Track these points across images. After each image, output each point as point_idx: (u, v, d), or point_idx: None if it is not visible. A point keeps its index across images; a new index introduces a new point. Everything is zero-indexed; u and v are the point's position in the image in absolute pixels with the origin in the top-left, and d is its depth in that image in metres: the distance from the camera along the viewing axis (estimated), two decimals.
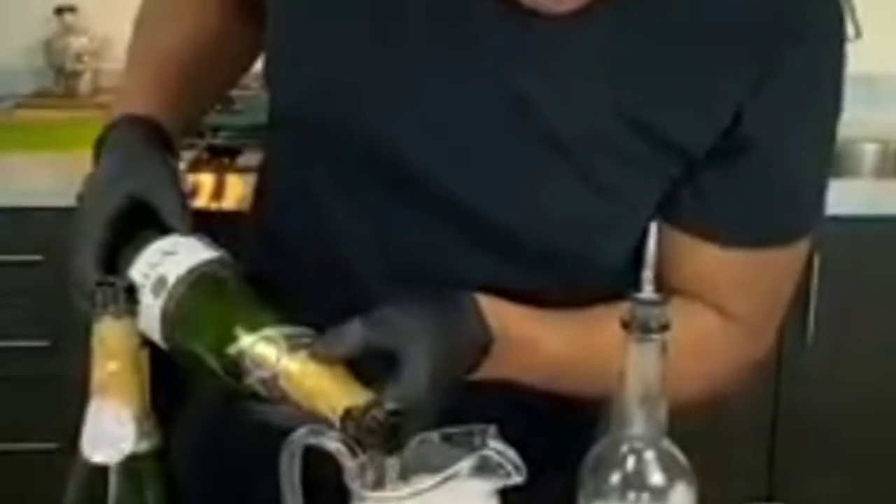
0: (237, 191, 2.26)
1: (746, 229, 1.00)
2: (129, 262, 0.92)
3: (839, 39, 0.98)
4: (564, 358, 0.99)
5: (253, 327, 0.86)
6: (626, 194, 0.99)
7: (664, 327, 0.81)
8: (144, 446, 0.79)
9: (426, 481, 0.82)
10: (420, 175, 0.98)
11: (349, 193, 1.01)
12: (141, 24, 1.15)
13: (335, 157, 1.01)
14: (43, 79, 2.79)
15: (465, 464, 0.81)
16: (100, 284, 0.78)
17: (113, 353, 0.77)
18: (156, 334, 0.90)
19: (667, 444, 0.84)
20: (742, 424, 2.37)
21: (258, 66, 1.12)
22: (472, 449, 0.82)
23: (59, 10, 2.76)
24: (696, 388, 1.02)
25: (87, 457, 0.78)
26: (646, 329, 0.81)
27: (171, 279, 0.89)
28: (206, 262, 0.91)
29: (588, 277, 1.03)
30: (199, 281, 0.90)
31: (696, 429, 1.09)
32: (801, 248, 1.04)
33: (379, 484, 0.84)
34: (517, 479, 0.82)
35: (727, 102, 0.95)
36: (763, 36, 0.94)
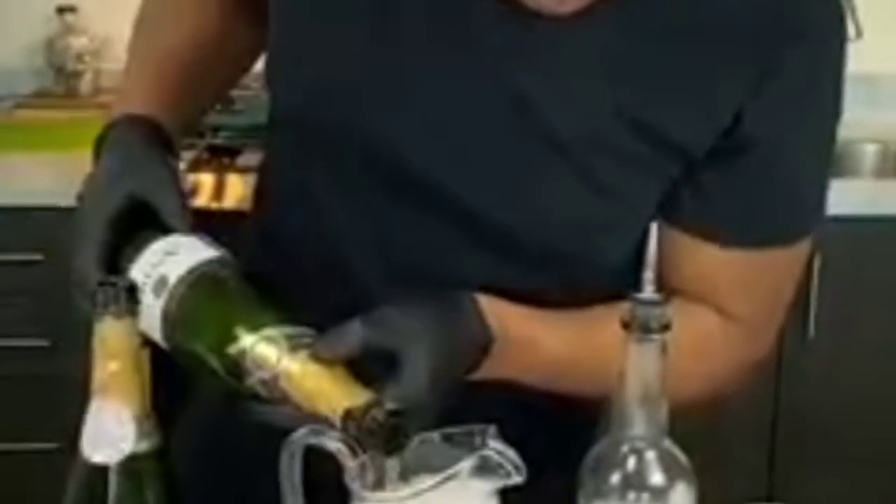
0: (237, 191, 2.26)
1: (747, 229, 1.00)
2: (129, 261, 0.92)
3: (840, 39, 0.98)
4: (564, 358, 0.99)
5: (254, 327, 0.86)
6: (626, 194, 0.98)
7: (665, 327, 0.81)
8: (145, 446, 0.79)
9: (426, 481, 0.82)
10: (420, 175, 0.98)
11: (349, 193, 1.01)
12: (141, 23, 1.15)
13: (335, 158, 1.01)
14: (43, 79, 2.79)
15: (466, 464, 0.81)
16: (101, 284, 0.78)
17: (114, 353, 0.77)
18: (157, 334, 0.90)
19: (667, 444, 0.84)
20: (742, 424, 2.37)
21: (258, 66, 1.12)
22: (472, 449, 0.82)
23: (60, 10, 2.76)
24: (696, 389, 1.02)
25: (87, 457, 0.78)
26: (646, 329, 0.81)
27: (172, 279, 0.89)
28: (206, 262, 0.91)
29: (588, 277, 1.03)
30: (199, 281, 0.90)
31: (696, 429, 1.09)
32: (801, 248, 1.04)
33: (379, 484, 0.84)
34: (517, 480, 0.82)
35: (727, 102, 0.95)
36: (763, 36, 0.94)
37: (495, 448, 0.82)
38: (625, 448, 0.84)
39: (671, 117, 0.95)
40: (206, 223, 0.96)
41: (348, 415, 0.81)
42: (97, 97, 2.70)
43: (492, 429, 0.83)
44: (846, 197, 2.14)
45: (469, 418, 0.84)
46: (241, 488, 1.07)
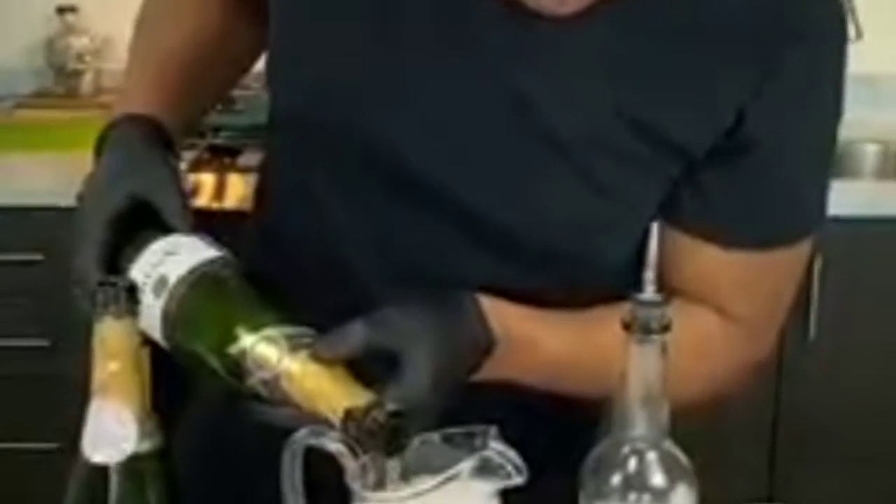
0: (238, 191, 2.26)
1: (748, 230, 1.00)
2: (130, 261, 0.92)
3: (840, 40, 0.98)
4: (565, 358, 0.99)
5: (254, 327, 0.86)
6: (625, 194, 0.98)
7: (665, 328, 0.81)
8: (146, 446, 0.79)
9: (427, 482, 0.82)
10: (420, 175, 0.98)
11: (349, 193, 1.01)
12: (142, 23, 1.15)
13: (335, 157, 1.01)
14: (44, 79, 2.79)
15: (467, 465, 0.81)
16: (101, 284, 0.78)
17: (114, 353, 0.77)
18: (157, 334, 0.90)
19: (668, 445, 0.84)
20: (743, 425, 2.37)
21: (259, 65, 1.12)
22: (473, 450, 0.82)
23: (61, 10, 2.76)
24: (697, 390, 1.02)
25: (88, 457, 0.78)
26: (647, 330, 0.81)
27: (173, 279, 0.89)
28: (207, 262, 0.91)
29: (588, 278, 1.02)
30: (200, 281, 0.90)
31: (697, 430, 1.09)
32: (802, 249, 1.04)
33: (380, 485, 0.84)
34: (518, 480, 0.82)
35: (728, 102, 0.95)
36: (763, 36, 0.94)
37: (496, 449, 0.82)
38: (626, 449, 0.83)
39: (671, 117, 0.95)
40: (207, 223, 0.96)
41: (349, 416, 0.81)
42: (98, 97, 2.70)
43: (493, 429, 0.83)
44: (847, 198, 2.14)
45: (470, 419, 0.84)
46: (242, 488, 1.07)
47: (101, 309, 0.77)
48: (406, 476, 0.84)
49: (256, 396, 0.87)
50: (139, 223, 0.94)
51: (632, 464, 0.83)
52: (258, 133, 2.31)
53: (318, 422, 0.84)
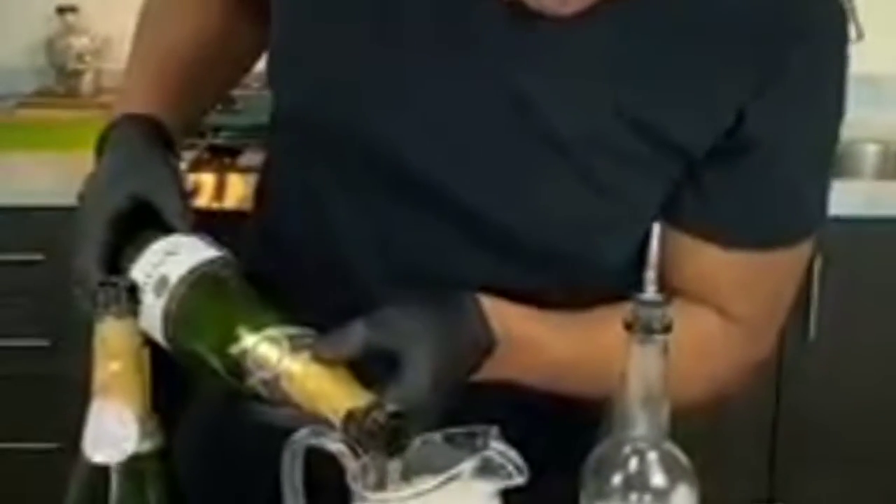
0: (238, 191, 2.26)
1: (748, 230, 1.00)
2: (130, 261, 0.92)
3: (842, 40, 0.98)
4: (566, 359, 0.99)
5: (255, 327, 0.86)
6: (626, 194, 0.98)
7: (667, 328, 0.81)
8: (147, 446, 0.79)
9: (428, 482, 0.82)
10: (420, 175, 0.98)
11: (349, 193, 1.01)
12: (143, 22, 1.15)
13: (336, 157, 1.01)
14: (44, 78, 2.79)
15: (467, 465, 0.81)
16: (102, 284, 0.78)
17: (115, 354, 0.77)
18: (158, 334, 0.90)
19: (668, 445, 0.84)
20: (743, 426, 2.37)
21: (260, 65, 1.12)
22: (474, 450, 0.82)
23: (61, 10, 2.76)
24: (697, 390, 1.02)
25: (89, 457, 0.78)
26: (648, 330, 0.81)
27: (173, 279, 0.89)
28: (207, 262, 0.91)
29: (588, 278, 1.02)
30: (200, 281, 0.90)
31: (697, 430, 1.09)
32: (803, 249, 1.04)
33: (381, 485, 0.84)
34: (519, 480, 0.82)
35: (729, 102, 0.95)
36: (763, 36, 0.94)
37: (497, 449, 0.82)
38: (626, 449, 0.83)
39: (671, 117, 0.95)
40: (207, 223, 0.96)
41: (349, 416, 0.81)
42: (98, 97, 2.70)
43: (494, 430, 0.83)
44: (847, 198, 2.14)
45: (471, 419, 0.84)
46: (242, 488, 1.07)
47: (102, 309, 0.77)
48: (407, 476, 0.84)
49: (257, 396, 0.87)
50: (140, 223, 0.94)
51: (632, 464, 0.83)
52: (258, 133, 2.32)
53: (319, 422, 0.84)
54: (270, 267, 1.00)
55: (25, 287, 2.27)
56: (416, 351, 0.88)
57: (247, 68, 1.19)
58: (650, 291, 0.86)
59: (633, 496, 0.83)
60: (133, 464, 0.78)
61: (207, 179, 2.31)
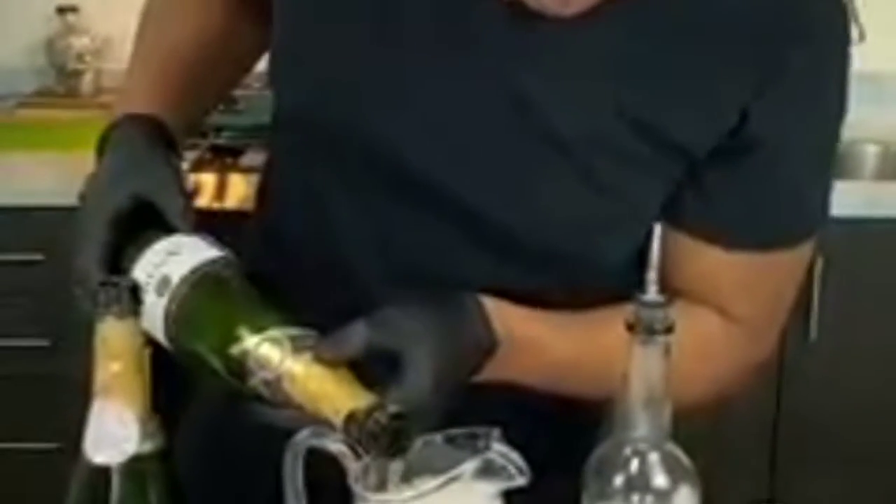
0: (239, 191, 2.26)
1: (750, 231, 1.00)
2: (131, 261, 0.92)
3: (844, 39, 0.98)
4: (568, 359, 0.99)
5: (257, 328, 0.86)
6: (626, 194, 0.98)
7: (668, 329, 0.81)
8: (148, 447, 0.79)
9: (429, 483, 0.82)
10: (420, 175, 0.98)
11: (350, 193, 1.01)
12: (145, 22, 1.15)
13: (336, 158, 1.01)
14: (45, 78, 2.79)
15: (469, 466, 0.81)
16: (103, 284, 0.78)
17: (116, 354, 0.77)
18: (159, 334, 0.90)
19: (670, 446, 0.84)
20: (744, 426, 2.37)
21: (261, 65, 1.12)
22: (475, 451, 0.82)
23: (61, 10, 2.76)
24: (699, 391, 1.02)
25: (90, 458, 0.78)
26: (650, 331, 0.81)
27: (175, 279, 0.89)
28: (209, 262, 0.91)
29: (589, 278, 1.02)
30: (202, 281, 0.89)
31: (699, 431, 1.09)
32: (804, 250, 1.03)
33: (382, 486, 0.84)
34: (521, 482, 0.82)
35: (730, 103, 0.95)
36: (764, 36, 0.94)
37: (499, 450, 0.82)
38: (628, 450, 0.83)
39: (672, 117, 0.95)
40: (209, 223, 0.96)
41: (351, 417, 0.81)
42: (98, 97, 2.70)
43: (495, 431, 0.83)
44: (847, 198, 2.14)
45: (472, 420, 0.84)
46: (243, 489, 1.07)
47: (103, 309, 0.77)
48: (408, 477, 0.84)
49: (258, 397, 0.87)
50: (141, 223, 0.94)
51: (634, 465, 0.83)
52: (260, 133, 2.32)
53: (319, 423, 0.84)
54: (272, 267, 1.00)
55: (25, 287, 2.27)
56: (418, 351, 0.88)
57: (248, 68, 1.19)
58: (652, 292, 0.86)
59: (635, 497, 0.83)
60: (134, 464, 0.78)
61: (209, 179, 2.31)
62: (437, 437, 0.85)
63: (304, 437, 0.86)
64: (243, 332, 0.86)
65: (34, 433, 2.31)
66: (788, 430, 2.42)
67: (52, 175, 2.30)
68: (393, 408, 0.82)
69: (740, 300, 1.03)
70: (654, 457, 0.83)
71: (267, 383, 0.85)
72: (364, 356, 0.87)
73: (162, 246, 0.92)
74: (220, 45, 1.13)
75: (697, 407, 0.99)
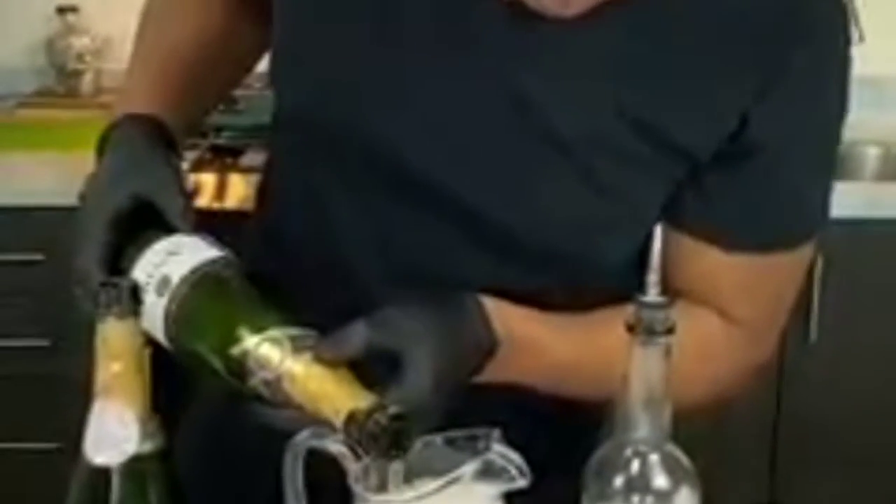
0: (239, 191, 2.26)
1: (750, 233, 1.00)
2: (132, 262, 0.92)
3: (844, 41, 0.98)
4: (568, 360, 0.99)
5: (257, 328, 0.86)
6: (627, 195, 0.98)
7: (669, 330, 0.81)
8: (148, 447, 0.79)
9: (429, 485, 0.82)
10: (420, 175, 0.98)
11: (350, 193, 1.01)
12: (145, 22, 1.15)
13: (337, 158, 1.01)
14: (45, 78, 2.79)
15: (469, 467, 0.81)
16: (103, 285, 0.78)
17: (116, 354, 0.77)
18: (159, 334, 0.89)
19: (670, 447, 0.84)
20: (745, 428, 2.37)
21: (261, 65, 1.11)
22: (475, 452, 0.82)
23: (61, 10, 2.76)
24: (699, 392, 1.02)
25: (90, 458, 0.78)
26: (651, 332, 0.81)
27: (175, 279, 0.89)
28: (209, 262, 0.91)
29: (589, 278, 1.02)
30: (202, 281, 0.89)
31: (699, 432, 1.09)
32: (804, 252, 1.03)
33: (382, 487, 0.84)
34: (521, 483, 0.82)
35: (731, 105, 0.95)
36: (765, 36, 0.94)
37: (499, 451, 0.82)
38: (628, 451, 0.83)
39: (672, 118, 0.95)
40: (209, 223, 0.96)
41: (351, 418, 0.81)
42: (98, 97, 2.70)
43: (496, 432, 0.83)
44: (847, 199, 2.14)
45: (473, 421, 0.84)
46: (243, 489, 1.07)
47: (103, 309, 0.77)
48: (408, 478, 0.83)
49: (258, 397, 0.87)
50: (141, 223, 0.94)
51: (634, 466, 0.83)
52: (260, 133, 2.32)
53: (320, 423, 0.84)
54: (272, 267, 1.00)
55: (25, 287, 2.27)
56: (418, 351, 0.88)
57: (248, 68, 1.19)
58: (652, 294, 0.85)
59: (635, 498, 0.83)
60: (134, 465, 0.78)
61: (209, 179, 2.31)
62: (438, 439, 0.85)
63: (304, 438, 0.86)
64: (243, 332, 0.86)
65: (34, 433, 2.31)
66: (789, 432, 2.42)
67: (52, 175, 2.30)
68: (393, 409, 0.82)
69: (740, 302, 1.03)
70: (654, 458, 0.83)
71: (267, 383, 0.85)
72: (364, 356, 0.87)
73: (162, 246, 0.92)
74: (221, 45, 1.13)
75: (698, 408, 0.98)
